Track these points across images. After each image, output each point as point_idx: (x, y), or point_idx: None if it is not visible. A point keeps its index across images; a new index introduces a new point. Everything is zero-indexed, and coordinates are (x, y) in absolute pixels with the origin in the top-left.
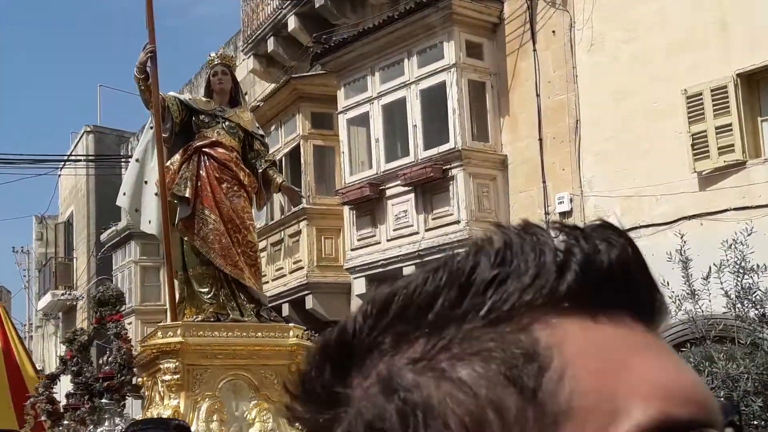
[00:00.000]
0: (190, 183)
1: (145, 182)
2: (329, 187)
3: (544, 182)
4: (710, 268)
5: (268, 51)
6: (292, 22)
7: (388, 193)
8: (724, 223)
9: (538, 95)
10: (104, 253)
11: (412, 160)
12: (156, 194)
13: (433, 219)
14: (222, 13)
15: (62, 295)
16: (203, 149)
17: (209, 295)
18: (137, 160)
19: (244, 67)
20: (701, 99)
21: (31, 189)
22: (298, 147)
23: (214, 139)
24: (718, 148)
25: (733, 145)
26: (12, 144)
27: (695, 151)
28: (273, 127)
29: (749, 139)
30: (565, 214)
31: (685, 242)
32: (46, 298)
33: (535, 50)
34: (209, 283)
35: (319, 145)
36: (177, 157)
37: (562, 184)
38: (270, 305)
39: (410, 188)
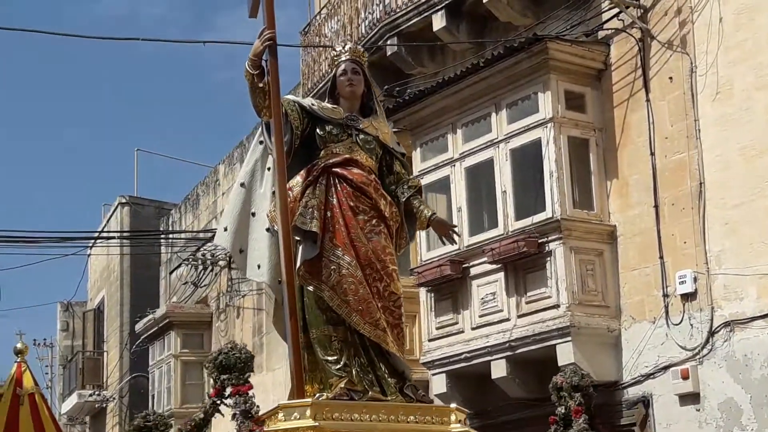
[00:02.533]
0: (317, 213)
1: (253, 214)
2: (403, 265)
3: (661, 258)
4: None
5: None
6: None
7: (473, 272)
8: None
9: (652, 154)
10: (139, 345)
11: (501, 232)
12: (268, 230)
13: (527, 303)
14: (280, 63)
15: (90, 395)
16: (333, 169)
17: (339, 365)
18: (242, 185)
19: None
20: None
21: (57, 271)
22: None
23: (347, 156)
24: None
25: None
26: (33, 220)
27: None
28: None
29: None
30: (688, 296)
31: None
32: (72, 400)
33: (648, 100)
34: (338, 348)
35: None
36: (298, 179)
37: (683, 259)
38: None
39: (499, 266)
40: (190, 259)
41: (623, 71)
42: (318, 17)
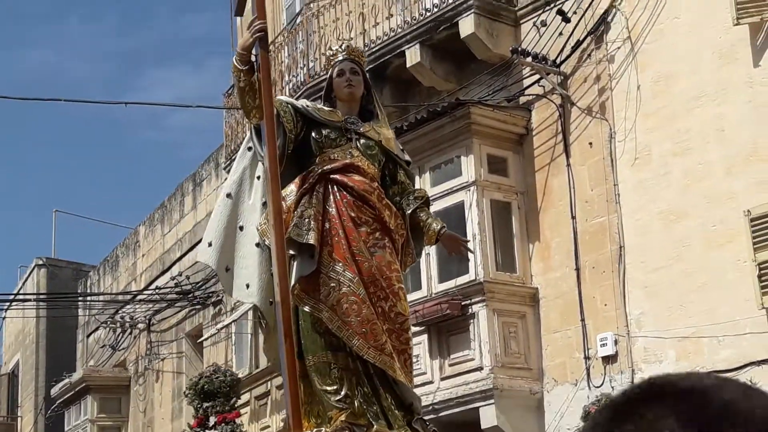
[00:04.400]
0: (314, 224)
1: (240, 228)
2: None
3: (582, 320)
4: None
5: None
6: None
7: None
8: None
9: (573, 217)
10: (55, 410)
11: (424, 294)
12: (258, 245)
13: (450, 365)
14: (202, 126)
15: None
16: (332, 176)
17: (339, 396)
18: (229, 196)
19: None
20: None
21: None
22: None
23: (347, 161)
24: None
25: None
26: None
27: (763, 283)
28: None
29: None
30: (609, 359)
31: None
32: None
33: (569, 165)
34: (338, 377)
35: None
36: (292, 187)
37: (604, 322)
38: None
39: (422, 328)
40: (108, 322)
41: (544, 136)
42: None
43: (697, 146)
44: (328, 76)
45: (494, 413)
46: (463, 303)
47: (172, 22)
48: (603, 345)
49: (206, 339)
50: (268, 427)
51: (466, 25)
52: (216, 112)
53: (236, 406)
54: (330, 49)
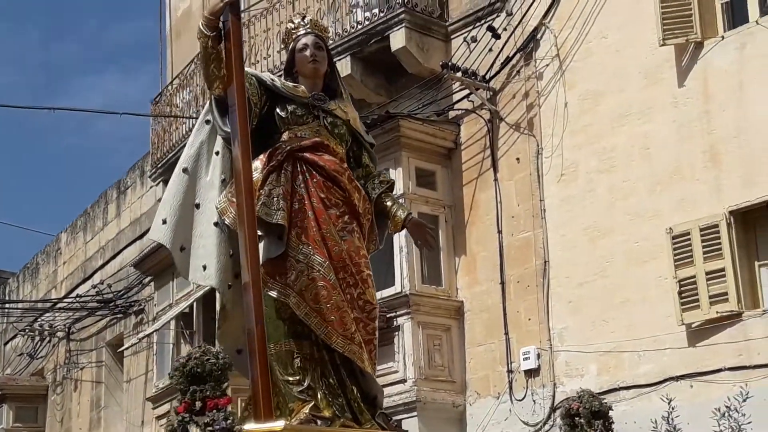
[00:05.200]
0: (283, 204)
1: (197, 206)
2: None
3: (506, 334)
4: None
5: None
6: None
7: None
8: (718, 385)
9: (500, 232)
10: None
11: None
12: (216, 224)
13: None
14: (128, 133)
15: None
16: (302, 154)
17: (302, 387)
18: (185, 170)
19: (152, 195)
20: (689, 239)
21: None
22: (213, 290)
23: (317, 139)
24: (710, 297)
25: (726, 293)
26: None
27: (683, 300)
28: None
29: (745, 287)
30: (531, 372)
31: (673, 408)
32: None
33: (496, 180)
34: (301, 367)
35: None
36: (257, 164)
37: (527, 336)
38: None
39: None
40: (27, 330)
41: (472, 151)
42: (170, 87)
43: (622, 164)
44: (289, 50)
45: (417, 426)
46: (388, 315)
47: (100, 30)
48: (526, 359)
49: (127, 348)
50: None
51: (397, 39)
52: (143, 120)
53: (227, 391)
54: (291, 21)
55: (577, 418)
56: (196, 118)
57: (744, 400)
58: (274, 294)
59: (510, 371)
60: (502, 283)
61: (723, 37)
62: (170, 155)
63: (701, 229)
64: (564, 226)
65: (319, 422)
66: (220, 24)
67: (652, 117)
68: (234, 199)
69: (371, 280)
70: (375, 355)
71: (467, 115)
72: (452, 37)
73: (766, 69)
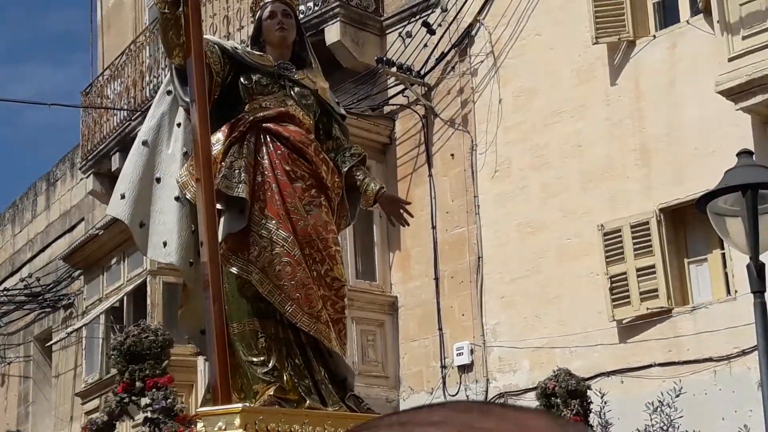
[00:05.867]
0: (245, 176)
1: (157, 180)
2: (182, 333)
3: (440, 329)
4: None
5: (112, 169)
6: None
7: None
8: (649, 380)
9: (434, 227)
10: None
11: None
12: (177, 199)
13: None
14: (59, 124)
15: None
16: (265, 125)
17: (266, 368)
18: (145, 143)
19: (82, 187)
20: (620, 236)
21: None
22: (144, 284)
23: (281, 109)
24: (640, 294)
25: (656, 290)
26: None
27: (614, 296)
28: (114, 261)
29: (675, 284)
30: (464, 368)
31: (605, 403)
32: None
33: (431, 175)
34: (266, 347)
35: (170, 282)
36: (219, 136)
37: (461, 332)
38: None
39: None
40: None
41: (407, 146)
42: (101, 78)
43: (555, 161)
44: (256, 17)
45: None
46: None
47: (29, 18)
48: (459, 354)
49: (55, 343)
50: None
51: (332, 33)
52: (74, 111)
53: (167, 369)
54: None
55: (553, 398)
56: (128, 110)
57: (677, 396)
58: (235, 270)
59: (443, 367)
60: (436, 278)
61: (655, 36)
62: (101, 147)
63: (632, 227)
64: (497, 222)
65: (284, 405)
66: None
67: (585, 114)
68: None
69: (339, 256)
70: (344, 334)
71: (402, 110)
72: (387, 32)
73: (697, 68)
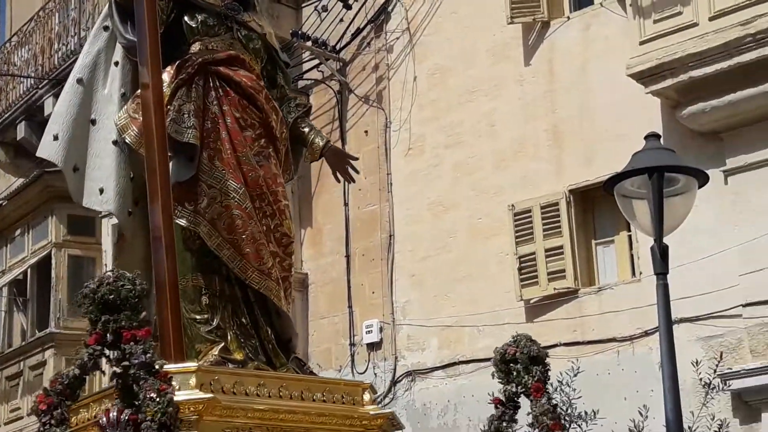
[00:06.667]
0: (195, 121)
1: (92, 122)
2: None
3: (350, 307)
4: None
5: (18, 138)
6: (49, 105)
7: None
8: (554, 360)
9: (346, 204)
10: None
11: None
12: (115, 143)
13: None
14: None
15: None
16: (215, 68)
17: (210, 327)
18: (80, 81)
19: None
20: (530, 216)
21: None
22: (49, 257)
23: (232, 53)
24: (548, 274)
25: (564, 270)
26: None
27: (522, 276)
28: (18, 233)
29: (582, 265)
30: (373, 346)
31: None
32: None
33: None
34: (210, 304)
35: (76, 255)
36: (165, 77)
37: (371, 309)
38: None
39: None
40: None
41: (321, 122)
42: (8, 45)
43: (469, 140)
44: None
45: None
46: None
47: None
48: (368, 332)
49: None
50: (19, 408)
51: None
52: None
53: (143, 321)
54: None
55: (512, 365)
56: (35, 77)
57: (575, 375)
58: (182, 222)
59: (352, 344)
60: (347, 256)
61: (569, 18)
62: (6, 115)
63: (542, 207)
64: (410, 201)
65: (229, 365)
66: None
67: (499, 94)
68: (136, 115)
69: (288, 211)
70: (290, 293)
71: (317, 85)
72: (303, 5)
73: (609, 51)
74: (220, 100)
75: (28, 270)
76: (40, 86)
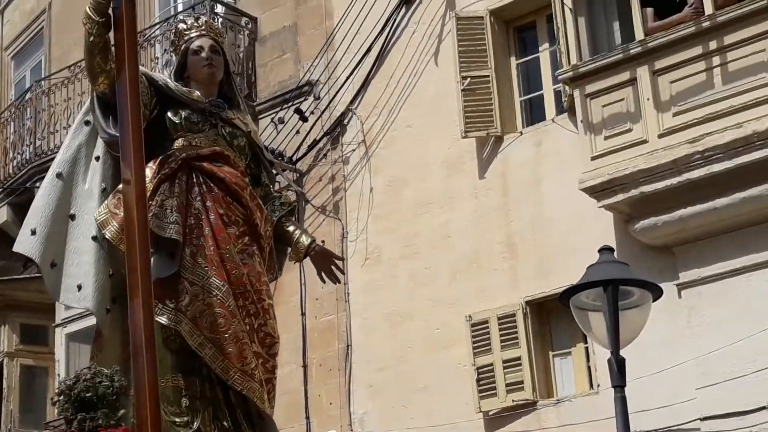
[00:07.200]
0: (178, 216)
1: (71, 217)
2: (39, 417)
3: (307, 418)
4: None
5: None
6: (3, 214)
7: None
8: None
9: (303, 314)
10: None
11: None
12: (95, 238)
13: None
14: None
15: None
16: (198, 163)
17: (191, 429)
18: (60, 176)
19: None
20: (487, 327)
21: None
22: (0, 366)
23: (216, 149)
24: (506, 385)
25: (522, 382)
26: None
27: (481, 388)
28: None
29: (540, 376)
30: None
31: None
32: None
33: (301, 262)
34: (189, 406)
35: (28, 365)
36: (147, 172)
37: (328, 421)
38: None
39: None
40: None
41: None
42: None
43: (424, 251)
44: (180, 51)
45: None
46: None
47: None
48: None
49: None
50: None
51: None
52: None
53: (121, 419)
54: (183, 22)
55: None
56: None
57: None
58: (163, 320)
59: None
60: (305, 366)
61: (521, 133)
62: None
63: (499, 318)
64: (367, 310)
65: None
66: (110, 10)
67: (453, 206)
68: (117, 211)
69: (273, 310)
70: (273, 396)
71: None
72: (260, 117)
73: (561, 165)
74: (204, 196)
75: None
76: None
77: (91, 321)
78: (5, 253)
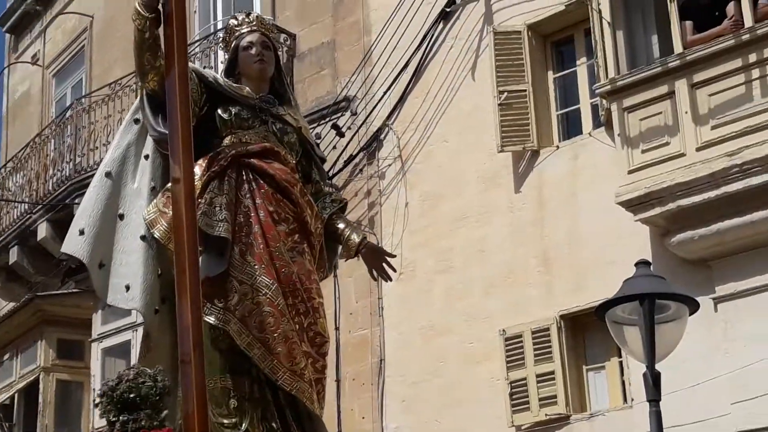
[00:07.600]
0: (227, 214)
1: (120, 216)
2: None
3: None
4: None
5: (10, 262)
6: (43, 230)
7: None
8: None
9: (337, 328)
10: None
11: None
12: (143, 238)
13: None
14: None
15: None
16: (248, 160)
17: (239, 431)
18: (108, 175)
19: None
20: (521, 342)
21: None
22: (36, 382)
23: (266, 145)
24: (539, 400)
25: (555, 396)
26: None
27: (514, 402)
28: (7, 357)
29: (573, 391)
30: None
31: None
32: None
33: (335, 276)
34: (237, 407)
35: (64, 380)
36: (195, 170)
37: None
38: None
39: None
40: None
41: None
42: (3, 170)
43: (459, 265)
44: (231, 47)
45: None
46: None
47: None
48: None
49: None
50: None
51: None
52: None
53: (165, 420)
54: (234, 18)
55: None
56: (29, 203)
57: None
58: (211, 320)
59: None
60: (338, 380)
61: (558, 147)
62: (1, 238)
63: (533, 332)
64: (401, 325)
65: None
66: (159, 6)
67: (489, 221)
68: (166, 210)
69: (323, 309)
70: (323, 396)
71: None
72: None
73: (597, 179)
74: (253, 193)
75: (16, 395)
76: (33, 211)
77: (127, 336)
78: (44, 269)
